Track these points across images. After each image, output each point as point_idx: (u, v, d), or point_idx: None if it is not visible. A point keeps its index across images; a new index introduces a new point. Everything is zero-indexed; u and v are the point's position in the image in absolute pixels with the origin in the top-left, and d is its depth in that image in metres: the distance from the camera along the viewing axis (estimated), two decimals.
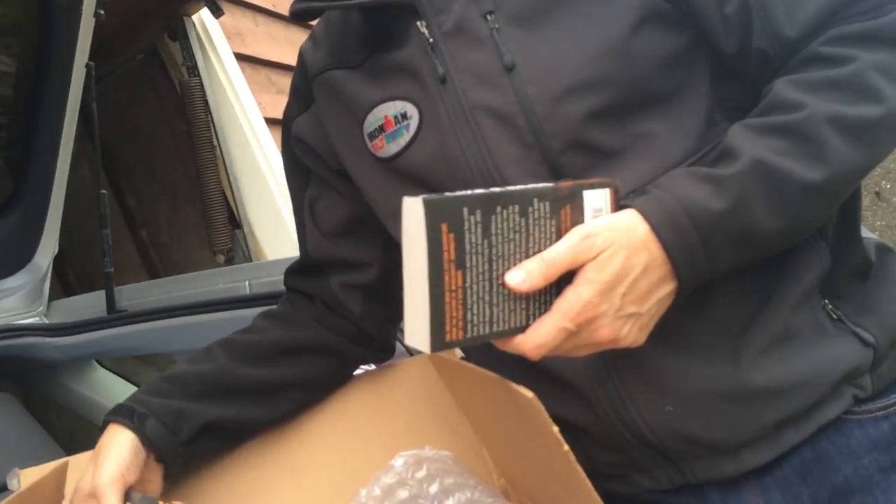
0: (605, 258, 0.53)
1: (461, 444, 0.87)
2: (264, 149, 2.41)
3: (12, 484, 0.83)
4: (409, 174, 0.74)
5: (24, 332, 1.69)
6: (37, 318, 1.84)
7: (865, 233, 0.73)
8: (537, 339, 0.53)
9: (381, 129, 0.75)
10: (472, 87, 0.68)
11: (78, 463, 0.80)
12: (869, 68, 0.59)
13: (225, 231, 2.41)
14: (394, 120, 0.74)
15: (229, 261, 2.45)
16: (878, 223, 2.84)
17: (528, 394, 0.56)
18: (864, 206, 2.81)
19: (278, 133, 2.52)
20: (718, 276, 0.60)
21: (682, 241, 0.56)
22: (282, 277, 1.61)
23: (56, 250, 1.84)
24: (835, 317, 0.67)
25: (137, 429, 0.74)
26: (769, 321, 0.65)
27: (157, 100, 2.76)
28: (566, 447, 0.55)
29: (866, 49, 0.60)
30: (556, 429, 0.56)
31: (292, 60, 2.82)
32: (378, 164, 0.77)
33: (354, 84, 0.77)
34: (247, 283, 1.67)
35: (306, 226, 0.89)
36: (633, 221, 0.56)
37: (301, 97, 0.87)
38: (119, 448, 0.72)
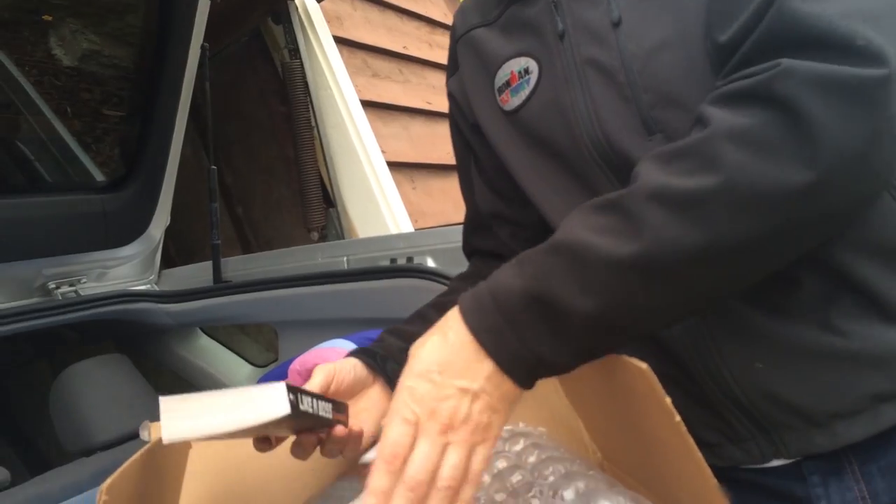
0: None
1: (556, 420, 0.88)
2: (359, 130, 2.48)
3: (143, 435, 0.90)
4: (527, 127, 0.78)
5: (139, 298, 1.80)
6: (148, 286, 1.96)
7: None
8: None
9: (508, 83, 0.80)
10: (584, 43, 0.71)
11: None
12: (719, 134, 0.53)
13: (319, 209, 2.49)
14: (518, 75, 0.78)
15: (323, 238, 2.53)
16: None
17: (643, 365, 0.56)
18: None
19: (373, 115, 2.59)
20: (557, 360, 0.57)
21: (485, 322, 0.57)
22: (378, 254, 1.67)
23: (168, 222, 1.95)
24: None
25: (379, 368, 0.79)
26: (863, 292, 0.64)
27: (257, 81, 2.86)
28: (678, 418, 0.54)
29: (730, 111, 0.55)
30: (668, 399, 0.55)
31: (387, 44, 2.87)
32: (504, 118, 0.81)
33: (490, 41, 0.83)
34: (345, 258, 1.73)
35: (473, 182, 0.94)
36: (451, 319, 0.60)
37: (452, 62, 0.93)
38: (348, 364, 0.77)
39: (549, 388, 0.90)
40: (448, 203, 2.77)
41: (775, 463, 0.70)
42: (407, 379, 0.58)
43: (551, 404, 0.90)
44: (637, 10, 0.69)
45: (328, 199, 2.55)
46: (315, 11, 2.54)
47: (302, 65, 2.49)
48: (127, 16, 1.80)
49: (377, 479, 0.54)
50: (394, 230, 2.36)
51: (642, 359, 0.58)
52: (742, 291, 0.61)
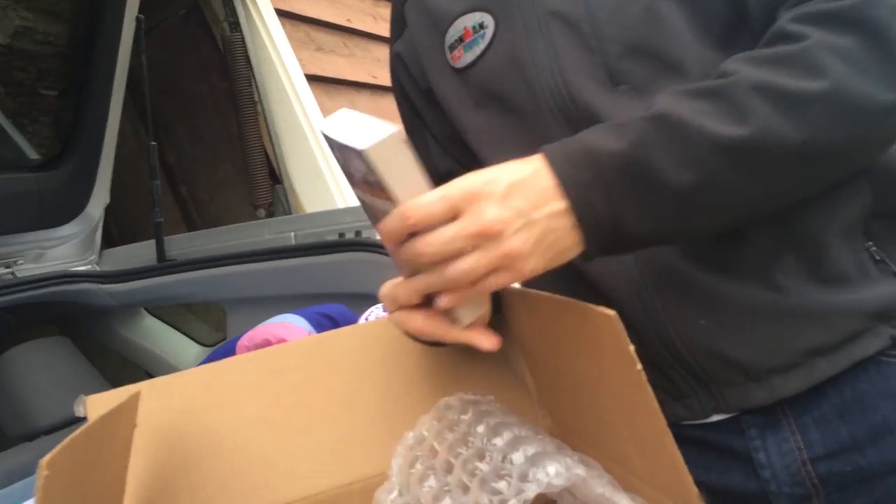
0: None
1: (505, 387, 0.89)
2: (304, 105, 2.44)
3: (78, 410, 0.87)
4: (481, 83, 0.77)
5: (79, 279, 1.75)
6: (89, 267, 1.91)
7: None
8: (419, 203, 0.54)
9: (461, 39, 0.78)
10: None
11: (151, 389, 0.84)
12: (820, 46, 0.58)
13: (266, 186, 2.45)
14: (472, 30, 0.77)
15: (270, 215, 2.49)
16: None
17: (610, 312, 0.54)
18: None
19: (318, 89, 2.55)
20: (634, 232, 0.58)
21: (575, 174, 0.56)
22: (325, 229, 1.66)
23: (108, 200, 1.90)
24: (878, 258, 0.67)
25: None
26: (808, 254, 0.67)
27: (197, 56, 2.79)
28: (639, 366, 0.54)
29: (824, 29, 0.59)
30: (632, 347, 0.54)
31: (330, 17, 2.82)
32: (454, 76, 0.80)
33: None
34: (292, 234, 1.72)
35: (428, 142, 0.91)
36: (533, 160, 0.58)
37: (398, 23, 0.90)
38: None
39: (498, 357, 0.90)
40: None
41: (715, 418, 0.72)
42: (466, 178, 0.55)
43: (500, 371, 0.90)
44: None
45: (274, 176, 2.52)
46: None
47: (243, 38, 2.43)
48: None
49: (388, 222, 0.55)
50: (342, 205, 2.34)
51: None
52: (708, 239, 0.65)
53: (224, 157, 2.87)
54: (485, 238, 0.54)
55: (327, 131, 0.58)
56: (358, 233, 1.67)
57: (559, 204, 0.56)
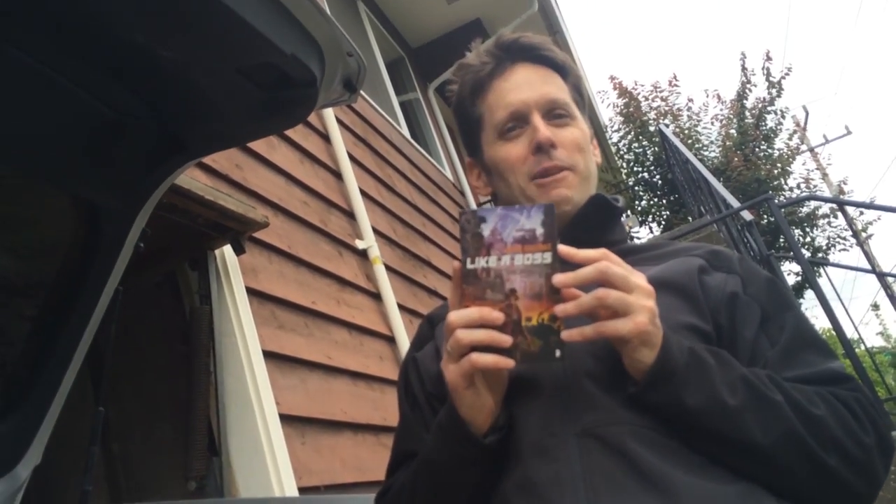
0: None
1: None
2: (257, 380, 2.50)
3: None
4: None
5: None
6: None
7: None
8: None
9: None
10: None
11: None
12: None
13: (203, 457, 2.41)
14: None
15: (200, 488, 2.41)
16: None
17: None
18: None
19: (272, 365, 2.62)
20: (670, 402, 0.84)
21: (679, 352, 0.86)
22: None
23: (39, 461, 1.84)
24: None
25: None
26: None
27: (160, 319, 2.89)
28: None
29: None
30: None
31: (297, 298, 2.99)
32: None
33: None
34: None
35: (421, 432, 1.04)
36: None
37: (421, 341, 1.12)
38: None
39: None
40: (336, 461, 2.74)
41: None
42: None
43: None
44: None
45: (213, 448, 2.48)
46: (232, 262, 2.66)
47: (210, 310, 2.55)
48: (42, 254, 1.85)
49: (582, 272, 0.85)
50: (276, 488, 2.29)
51: None
52: None
53: (164, 419, 2.84)
54: (645, 292, 0.85)
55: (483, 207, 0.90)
56: None
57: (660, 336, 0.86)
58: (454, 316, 0.85)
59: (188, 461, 2.40)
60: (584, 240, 0.96)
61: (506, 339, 0.83)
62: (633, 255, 1.04)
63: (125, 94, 1.48)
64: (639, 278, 0.86)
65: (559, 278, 0.83)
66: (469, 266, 0.84)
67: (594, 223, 1.06)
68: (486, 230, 0.84)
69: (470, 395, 0.88)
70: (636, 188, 12.11)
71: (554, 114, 1.08)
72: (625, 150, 12.35)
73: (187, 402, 2.50)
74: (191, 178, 2.29)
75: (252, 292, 2.72)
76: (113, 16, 1.22)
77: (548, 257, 0.83)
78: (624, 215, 1.14)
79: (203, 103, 1.48)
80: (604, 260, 0.85)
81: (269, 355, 2.62)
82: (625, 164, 12.38)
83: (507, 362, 0.83)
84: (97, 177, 1.63)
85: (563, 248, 0.85)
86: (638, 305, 0.83)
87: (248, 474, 2.38)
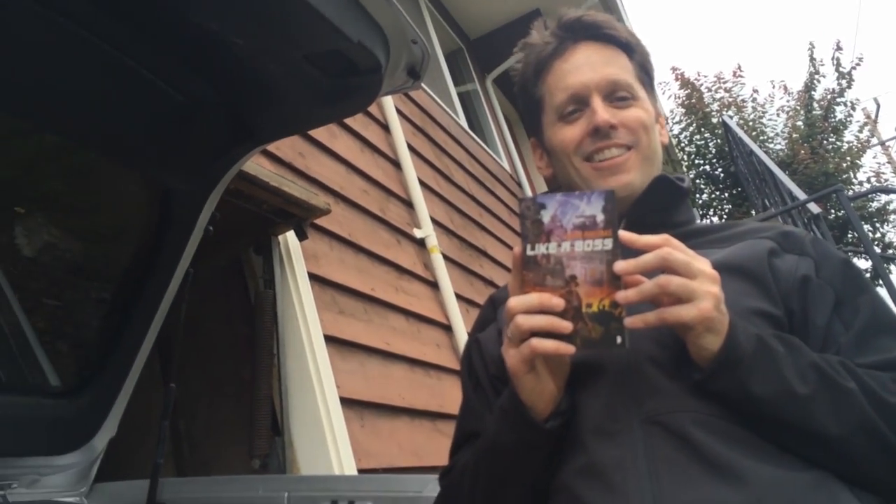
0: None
1: None
2: (318, 363, 2.55)
3: None
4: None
5: None
6: (77, 499, 1.88)
7: None
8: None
9: None
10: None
11: None
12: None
13: (266, 436, 2.48)
14: None
15: (263, 466, 2.49)
16: None
17: None
18: None
19: (333, 349, 2.68)
20: (742, 393, 0.84)
21: (747, 339, 0.85)
22: (319, 494, 1.67)
23: (114, 433, 1.93)
24: None
25: None
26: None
27: (226, 303, 2.97)
28: None
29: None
30: None
31: (357, 285, 3.03)
32: None
33: None
34: (286, 494, 1.72)
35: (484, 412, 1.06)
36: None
37: (484, 322, 1.14)
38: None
39: None
40: (393, 445, 2.78)
41: None
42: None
43: None
44: None
45: (276, 428, 2.55)
46: (295, 248, 2.73)
47: (274, 295, 2.62)
48: (121, 238, 1.93)
49: (646, 258, 0.85)
50: (336, 468, 2.35)
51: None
52: None
53: (229, 399, 2.92)
54: (710, 278, 0.84)
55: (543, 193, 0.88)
56: (351, 502, 1.68)
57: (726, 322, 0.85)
58: (514, 301, 0.85)
59: (251, 440, 2.47)
60: (648, 222, 0.96)
61: (566, 325, 0.83)
62: (699, 238, 1.03)
63: (198, 81, 1.53)
64: (703, 264, 0.85)
65: (620, 265, 0.82)
66: (529, 252, 0.85)
67: (658, 205, 1.05)
68: (545, 217, 0.84)
69: (531, 380, 0.88)
70: (697, 181, 11.87)
71: (616, 96, 1.07)
72: (686, 143, 12.13)
73: (251, 382, 2.58)
74: (257, 165, 2.35)
75: (314, 277, 2.78)
76: (189, 4, 1.27)
77: (608, 244, 0.83)
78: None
79: (271, 90, 1.52)
80: (665, 246, 0.84)
81: (329, 339, 2.67)
82: (686, 157, 12.15)
83: (568, 348, 0.83)
84: (171, 162, 1.70)
85: (624, 235, 0.85)
86: (702, 291, 0.82)
87: (310, 454, 2.44)
